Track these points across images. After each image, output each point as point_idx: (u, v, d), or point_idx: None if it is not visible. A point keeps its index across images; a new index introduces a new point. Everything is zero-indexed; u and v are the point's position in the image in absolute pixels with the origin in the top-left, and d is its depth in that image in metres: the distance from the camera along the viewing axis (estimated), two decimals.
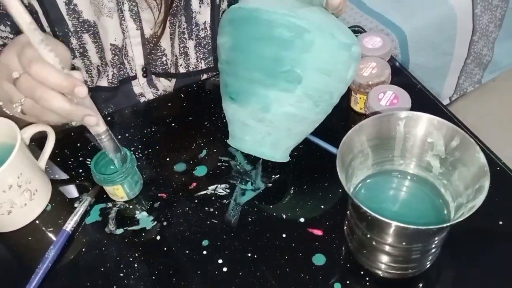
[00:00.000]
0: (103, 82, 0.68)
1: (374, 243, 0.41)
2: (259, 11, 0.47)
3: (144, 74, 0.71)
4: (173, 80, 0.72)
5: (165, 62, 0.69)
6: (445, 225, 0.36)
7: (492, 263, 0.47)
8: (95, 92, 0.69)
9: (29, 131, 0.55)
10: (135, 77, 0.70)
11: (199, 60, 0.70)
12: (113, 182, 0.53)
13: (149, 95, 0.73)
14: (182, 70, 0.71)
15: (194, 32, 0.66)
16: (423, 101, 0.62)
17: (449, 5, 1.22)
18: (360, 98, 0.58)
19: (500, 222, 0.49)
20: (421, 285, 0.46)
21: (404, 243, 0.40)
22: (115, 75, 0.68)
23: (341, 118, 0.62)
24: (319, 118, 0.54)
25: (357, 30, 0.75)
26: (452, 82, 1.41)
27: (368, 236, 0.41)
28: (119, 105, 0.72)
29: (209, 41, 0.68)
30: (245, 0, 0.52)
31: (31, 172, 0.54)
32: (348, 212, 0.44)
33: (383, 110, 0.53)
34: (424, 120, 0.41)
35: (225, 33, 0.51)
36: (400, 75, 0.66)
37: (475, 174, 0.38)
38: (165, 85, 0.73)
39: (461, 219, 0.35)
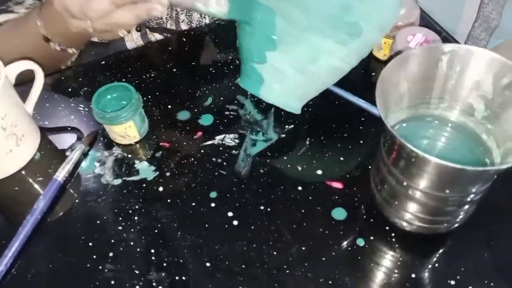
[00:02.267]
0: (94, 38, 0.62)
1: (408, 191, 0.37)
2: None
3: (138, 28, 0.66)
4: (168, 36, 0.67)
5: (159, 17, 0.63)
6: (492, 168, 0.32)
7: None
8: (86, 48, 0.63)
9: (15, 68, 0.48)
10: (128, 32, 0.64)
11: (203, 15, 0.65)
12: (126, 117, 0.48)
13: (138, 39, 0.68)
14: (184, 26, 0.66)
15: None
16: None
17: None
18: (385, 43, 0.53)
19: None
20: (450, 241, 0.43)
21: (443, 189, 0.35)
22: None
23: (360, 67, 0.57)
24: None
25: None
26: (465, 30, 1.36)
27: (403, 183, 0.37)
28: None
29: None
30: None
31: (17, 115, 0.48)
32: (380, 160, 0.39)
33: None
34: (473, 55, 0.36)
35: None
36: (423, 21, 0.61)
37: None
38: (158, 39, 0.68)
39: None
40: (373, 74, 0.57)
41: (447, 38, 0.59)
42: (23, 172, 0.50)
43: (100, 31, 0.46)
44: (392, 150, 0.36)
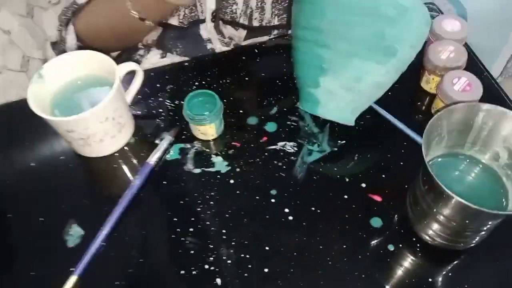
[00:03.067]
0: (174, 21, 0.71)
1: (436, 215, 0.47)
2: None
3: (213, 19, 0.72)
4: (241, 31, 0.75)
5: (234, 11, 0.71)
6: (505, 212, 0.41)
7: None
8: (163, 32, 0.72)
9: (124, 68, 0.59)
10: (203, 21, 0.73)
11: (273, 16, 0.73)
12: (210, 120, 0.59)
13: (216, 42, 0.76)
14: (255, 23, 0.73)
15: None
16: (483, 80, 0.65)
17: None
18: (433, 79, 0.61)
19: None
20: (463, 257, 0.52)
21: (463, 220, 0.45)
22: (186, 15, 0.71)
23: (409, 95, 0.66)
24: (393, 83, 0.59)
25: (431, 8, 0.76)
26: (501, 65, 1.41)
27: (433, 209, 0.46)
28: (187, 47, 0.75)
29: None
30: None
31: (122, 107, 0.59)
32: (417, 184, 0.48)
33: (456, 95, 0.56)
34: (504, 115, 0.45)
35: (327, 10, 0.53)
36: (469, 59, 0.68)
37: None
38: (231, 33, 0.75)
39: None
40: (419, 103, 0.65)
41: (488, 77, 0.66)
42: (122, 152, 0.62)
43: None
44: (428, 182, 0.45)
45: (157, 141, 0.62)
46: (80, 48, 0.71)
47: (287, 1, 0.71)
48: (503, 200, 0.47)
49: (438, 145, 0.48)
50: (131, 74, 0.62)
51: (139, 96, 0.66)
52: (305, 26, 0.56)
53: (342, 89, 0.56)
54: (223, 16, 0.72)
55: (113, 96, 0.55)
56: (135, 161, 0.61)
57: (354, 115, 0.60)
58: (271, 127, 0.63)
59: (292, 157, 0.60)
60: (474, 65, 0.68)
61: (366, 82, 0.55)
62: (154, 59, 0.75)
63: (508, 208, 0.46)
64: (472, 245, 0.50)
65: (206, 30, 0.74)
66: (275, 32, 0.76)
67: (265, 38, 0.75)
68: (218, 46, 0.76)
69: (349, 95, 0.56)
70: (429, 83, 0.63)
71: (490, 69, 1.48)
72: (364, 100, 0.59)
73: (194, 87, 0.68)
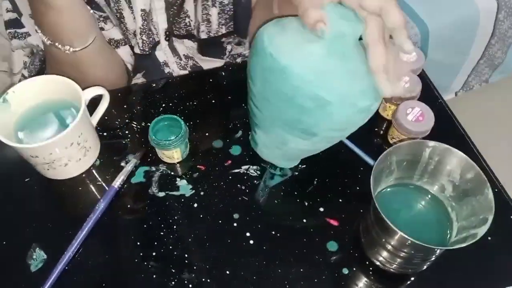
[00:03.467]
0: (136, 49, 0.72)
1: (384, 244, 0.50)
2: (288, 73, 0.47)
3: (167, 38, 0.73)
4: (196, 43, 0.76)
5: (188, 24, 0.72)
6: (445, 247, 0.45)
7: (480, 272, 0.56)
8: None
9: (90, 93, 0.60)
10: (158, 42, 0.74)
11: (221, 26, 0.74)
12: (175, 146, 0.60)
13: (173, 65, 0.76)
14: (203, 36, 0.74)
15: (217, 0, 0.70)
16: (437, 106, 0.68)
17: (475, 7, 1.25)
18: (389, 107, 0.65)
19: (489, 238, 0.57)
20: (413, 279, 0.56)
21: (409, 251, 0.48)
22: (145, 42, 0.72)
23: (368, 121, 0.69)
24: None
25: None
26: (462, 79, 1.47)
27: (381, 238, 0.49)
28: (148, 74, 0.76)
29: (231, 7, 0.72)
30: (278, 46, 0.48)
31: (88, 131, 0.60)
32: (367, 214, 0.51)
33: (409, 125, 0.59)
34: (448, 151, 0.48)
35: (256, 78, 0.52)
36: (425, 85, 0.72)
37: (482, 206, 0.46)
38: (188, 46, 0.76)
39: (462, 245, 0.43)
40: (376, 129, 0.68)
41: (442, 105, 0.70)
42: (86, 174, 0.62)
43: None
44: (376, 214, 0.48)
45: (122, 163, 0.63)
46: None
47: (232, 9, 0.72)
48: (448, 230, 0.51)
49: (388, 177, 0.52)
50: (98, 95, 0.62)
51: (105, 117, 0.67)
52: (252, 91, 0.54)
53: (272, 145, 0.59)
54: (178, 32, 0.73)
55: (78, 122, 0.56)
56: (100, 183, 0.62)
57: (288, 163, 0.63)
58: (235, 150, 0.65)
59: (255, 181, 0.63)
60: (429, 91, 0.71)
61: (292, 147, 0.56)
62: None
63: (452, 238, 0.50)
64: (424, 268, 0.53)
65: (161, 51, 0.74)
66: (224, 39, 0.76)
67: (221, 61, 0.76)
68: (176, 70, 0.77)
69: (277, 151, 0.59)
70: (386, 110, 0.66)
71: (452, 83, 1.55)
72: (297, 156, 0.62)
73: (161, 108, 0.69)
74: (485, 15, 1.27)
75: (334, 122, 0.50)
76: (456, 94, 1.56)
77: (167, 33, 0.73)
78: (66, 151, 0.57)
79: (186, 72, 0.77)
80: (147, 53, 0.73)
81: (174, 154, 0.62)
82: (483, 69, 1.49)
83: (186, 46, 0.76)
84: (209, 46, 0.77)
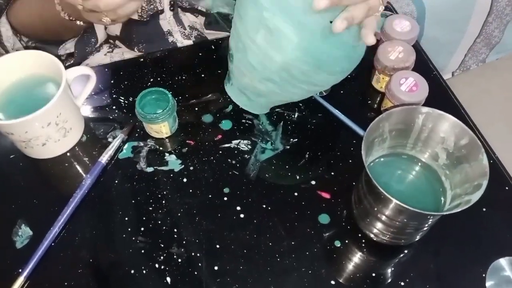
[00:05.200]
0: (134, 15, 0.70)
1: (377, 214, 0.48)
2: None
3: (171, 8, 0.72)
4: (200, 17, 0.74)
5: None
6: (440, 213, 0.44)
7: (474, 243, 0.55)
8: (127, 25, 0.71)
9: (74, 72, 0.58)
10: (162, 11, 0.72)
11: None
12: (163, 119, 0.58)
13: (177, 34, 0.75)
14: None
15: None
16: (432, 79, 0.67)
17: None
18: (382, 78, 0.63)
19: (484, 209, 0.56)
20: (406, 251, 0.55)
21: (402, 219, 0.47)
22: (144, 8, 0.70)
23: (360, 93, 0.67)
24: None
25: (385, 7, 0.78)
26: (458, 58, 1.45)
27: (374, 208, 0.48)
28: (149, 42, 0.74)
29: None
30: None
31: (69, 112, 0.58)
32: (360, 185, 0.50)
33: (402, 95, 0.58)
34: (442, 118, 0.47)
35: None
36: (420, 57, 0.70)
37: (476, 172, 0.45)
38: (191, 20, 0.74)
39: (457, 210, 0.42)
40: (370, 101, 0.67)
41: (436, 76, 0.69)
42: (72, 152, 0.61)
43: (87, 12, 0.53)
44: (368, 183, 0.47)
45: (109, 139, 0.62)
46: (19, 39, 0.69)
47: None
48: (442, 198, 0.49)
49: (381, 146, 0.50)
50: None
51: (92, 93, 0.65)
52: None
53: (240, 79, 0.57)
54: (181, 4, 0.71)
55: (56, 101, 0.54)
56: (86, 159, 0.61)
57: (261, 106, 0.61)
58: (226, 125, 0.64)
59: (246, 155, 0.61)
60: (424, 64, 0.70)
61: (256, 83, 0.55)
62: (100, 57, 0.74)
63: (446, 206, 0.49)
64: (417, 239, 0.52)
65: (166, 20, 0.73)
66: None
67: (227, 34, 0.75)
68: (180, 39, 0.75)
69: (248, 89, 0.57)
70: (379, 82, 0.64)
71: (449, 62, 1.53)
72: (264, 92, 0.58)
73: (149, 83, 0.67)
74: None
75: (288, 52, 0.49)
76: (453, 74, 1.54)
77: (172, 2, 0.71)
78: (43, 131, 0.55)
79: (190, 42, 0.75)
80: (145, 20, 0.71)
81: (162, 129, 0.60)
82: (480, 48, 1.46)
83: (189, 20, 0.74)
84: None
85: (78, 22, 0.63)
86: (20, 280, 0.50)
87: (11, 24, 0.69)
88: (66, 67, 0.56)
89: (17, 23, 0.69)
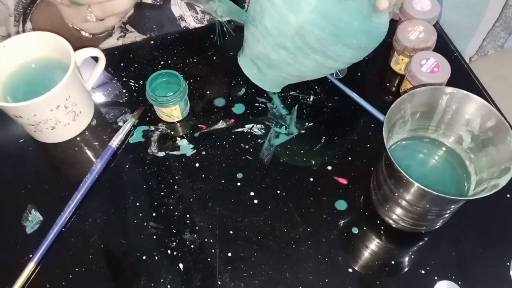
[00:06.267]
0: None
1: (397, 199, 0.46)
2: None
3: None
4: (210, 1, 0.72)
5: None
6: (466, 198, 0.41)
7: (496, 230, 0.53)
8: (140, 8, 0.69)
9: (82, 54, 0.57)
10: None
11: None
12: (174, 102, 0.57)
13: (190, 19, 0.73)
14: None
15: None
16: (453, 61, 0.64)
17: None
18: (402, 59, 0.61)
19: (508, 195, 0.54)
20: (426, 238, 0.53)
21: (424, 205, 0.45)
22: None
23: (378, 76, 0.65)
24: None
25: None
26: (477, 43, 1.41)
27: (394, 193, 0.46)
28: (161, 27, 0.72)
29: None
30: None
31: (78, 95, 0.57)
32: (379, 169, 0.48)
33: (423, 77, 0.55)
34: (467, 98, 0.45)
35: None
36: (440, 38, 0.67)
37: (503, 155, 0.42)
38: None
39: (483, 195, 0.40)
40: (388, 84, 0.64)
41: (458, 58, 0.66)
42: (81, 136, 0.59)
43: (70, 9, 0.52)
44: (389, 167, 0.45)
45: (120, 123, 0.60)
46: None
47: None
48: (465, 184, 0.47)
49: (402, 128, 0.48)
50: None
51: (101, 76, 0.64)
52: None
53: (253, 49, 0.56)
54: None
55: (65, 84, 0.52)
56: (97, 144, 0.59)
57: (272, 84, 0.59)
58: (239, 109, 0.62)
59: (259, 140, 0.59)
60: (445, 45, 0.67)
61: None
62: (112, 41, 0.72)
63: (470, 191, 0.46)
64: (438, 226, 0.50)
65: (177, 5, 0.71)
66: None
67: None
68: (192, 24, 0.73)
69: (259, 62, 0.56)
70: (398, 63, 0.62)
71: (466, 47, 1.49)
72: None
73: (160, 66, 0.66)
74: None
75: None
76: (470, 59, 1.49)
77: None
78: (52, 114, 0.54)
79: (202, 25, 0.73)
80: (158, 3, 0.69)
81: (173, 112, 0.59)
82: (498, 33, 1.42)
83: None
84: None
85: (83, 33, 0.61)
86: (31, 265, 0.49)
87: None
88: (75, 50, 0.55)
89: (36, 29, 0.67)
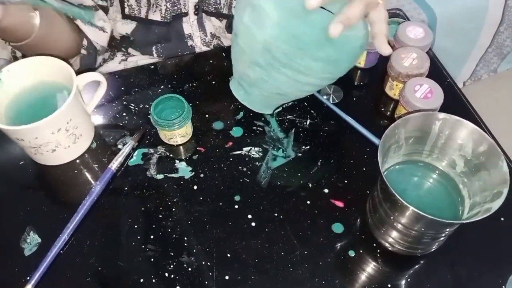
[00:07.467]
0: (156, 16, 0.70)
1: (393, 222, 0.47)
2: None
3: (196, 12, 0.72)
4: (224, 21, 0.74)
5: (218, 2, 0.70)
6: (460, 221, 0.42)
7: (491, 253, 0.53)
8: (146, 25, 0.71)
9: (84, 79, 0.58)
10: (186, 14, 0.72)
11: None
12: (178, 126, 0.58)
13: (197, 39, 0.74)
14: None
15: None
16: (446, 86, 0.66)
17: None
18: (396, 85, 0.62)
19: (502, 219, 0.55)
20: (422, 261, 0.53)
21: (420, 228, 0.46)
22: (168, 9, 0.70)
23: (373, 101, 0.66)
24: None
25: (397, 14, 0.77)
26: (470, 68, 1.44)
27: (390, 216, 0.47)
28: (167, 44, 0.73)
29: None
30: None
31: (79, 118, 0.58)
32: (375, 192, 0.49)
33: (417, 102, 0.57)
34: (459, 124, 0.46)
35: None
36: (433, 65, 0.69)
37: (495, 179, 0.43)
38: (215, 25, 0.74)
39: (477, 218, 0.41)
40: (383, 109, 0.66)
41: (451, 84, 0.67)
42: (81, 159, 0.60)
43: None
44: (384, 191, 0.46)
45: (119, 146, 0.61)
46: None
47: None
48: (460, 207, 0.48)
49: (397, 153, 0.49)
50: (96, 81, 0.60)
51: (102, 99, 0.65)
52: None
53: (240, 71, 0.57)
54: (207, 8, 0.71)
55: (67, 107, 0.53)
56: (96, 166, 0.60)
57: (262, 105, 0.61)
58: (237, 132, 0.63)
59: (257, 163, 0.60)
60: (438, 71, 0.69)
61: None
62: (113, 65, 0.74)
63: (464, 215, 0.47)
64: (433, 249, 0.51)
65: (189, 23, 0.73)
66: None
67: None
68: (199, 45, 0.75)
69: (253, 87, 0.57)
70: (392, 89, 0.63)
71: (460, 72, 1.51)
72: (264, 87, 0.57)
73: (160, 90, 0.67)
74: (494, 1, 1.24)
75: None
76: (464, 84, 1.52)
77: (197, 7, 0.71)
78: (53, 137, 0.55)
79: (208, 49, 0.74)
80: (168, 21, 0.71)
81: (176, 135, 0.59)
82: (491, 58, 1.45)
83: (213, 25, 0.74)
84: None
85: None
86: None
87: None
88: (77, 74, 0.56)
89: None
